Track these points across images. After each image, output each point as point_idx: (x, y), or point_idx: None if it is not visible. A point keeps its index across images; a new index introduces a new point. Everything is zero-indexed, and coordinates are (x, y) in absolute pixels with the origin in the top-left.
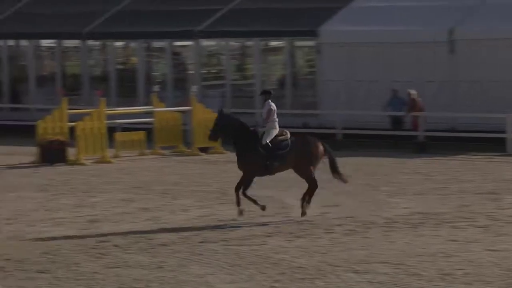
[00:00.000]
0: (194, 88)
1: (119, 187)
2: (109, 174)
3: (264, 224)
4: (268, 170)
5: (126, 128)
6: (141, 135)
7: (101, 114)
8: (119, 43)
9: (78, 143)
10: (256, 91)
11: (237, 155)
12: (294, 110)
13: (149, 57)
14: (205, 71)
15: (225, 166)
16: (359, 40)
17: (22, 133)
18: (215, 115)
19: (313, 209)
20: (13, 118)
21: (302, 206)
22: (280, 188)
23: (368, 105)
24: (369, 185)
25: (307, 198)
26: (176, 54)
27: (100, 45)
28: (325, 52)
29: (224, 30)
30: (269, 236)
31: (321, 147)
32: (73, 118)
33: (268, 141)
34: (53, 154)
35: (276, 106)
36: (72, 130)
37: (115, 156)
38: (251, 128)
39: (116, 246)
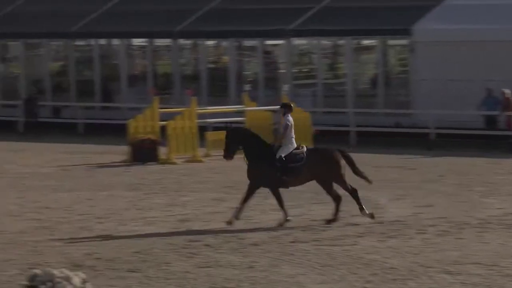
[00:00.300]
0: (285, 87)
1: (210, 186)
2: (200, 173)
3: (355, 224)
4: (282, 183)
5: (217, 127)
6: None
7: (192, 113)
8: (210, 42)
9: (169, 142)
10: (348, 91)
11: (248, 165)
12: (386, 109)
13: (240, 56)
14: (296, 70)
15: None
16: (453, 38)
17: (113, 132)
18: (306, 114)
19: (405, 209)
20: (105, 117)
21: (334, 216)
22: (372, 188)
23: (462, 105)
24: (463, 185)
25: (334, 213)
26: (267, 53)
27: (192, 44)
28: (419, 51)
29: (315, 28)
30: (360, 236)
31: (339, 157)
32: (164, 117)
33: (282, 155)
34: (144, 153)
35: (368, 105)
36: (163, 129)
37: (206, 155)
38: (265, 141)
39: (207, 245)
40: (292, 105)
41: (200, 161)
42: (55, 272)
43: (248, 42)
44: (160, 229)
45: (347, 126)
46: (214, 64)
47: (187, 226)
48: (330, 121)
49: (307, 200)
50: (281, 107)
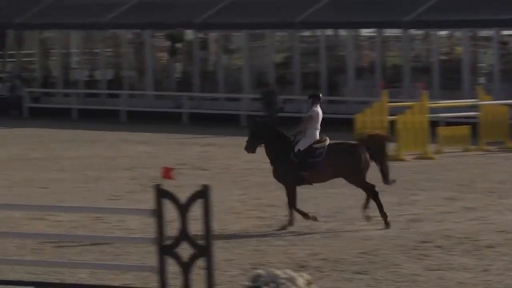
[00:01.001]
0: None
1: (442, 184)
2: (431, 171)
3: None
4: (301, 179)
5: (449, 122)
6: (465, 129)
7: (423, 107)
8: (443, 32)
9: (399, 138)
10: None
11: (271, 165)
12: None
13: (474, 47)
14: None
15: None
16: None
17: (339, 126)
18: None
19: None
20: (330, 111)
21: (384, 220)
22: None
23: None
24: None
25: (379, 210)
26: (504, 43)
27: (423, 35)
28: None
29: None
30: None
31: (364, 155)
32: (393, 111)
33: (301, 149)
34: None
35: None
36: (392, 124)
37: (438, 152)
38: (287, 135)
39: (438, 247)
40: (320, 95)
41: (432, 158)
42: (279, 272)
43: (483, 32)
44: (388, 229)
45: None
46: (447, 55)
47: (417, 227)
48: None
49: None
50: (309, 97)
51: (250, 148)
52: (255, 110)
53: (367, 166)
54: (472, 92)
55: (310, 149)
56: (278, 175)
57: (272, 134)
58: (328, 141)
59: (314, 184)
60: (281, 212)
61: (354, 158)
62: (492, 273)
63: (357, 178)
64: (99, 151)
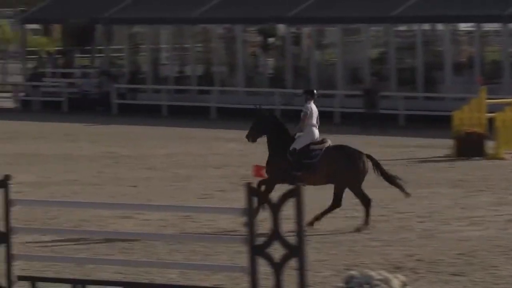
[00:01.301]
0: None
1: None
2: None
3: None
4: (295, 180)
5: None
6: None
7: None
8: None
9: (498, 136)
10: None
11: (268, 157)
12: None
13: None
14: None
15: None
16: None
17: (436, 123)
18: None
19: None
20: (427, 108)
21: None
22: None
23: None
24: None
25: (322, 212)
26: None
27: None
28: None
29: None
30: None
31: (361, 160)
32: (492, 108)
33: (296, 148)
34: (470, 147)
35: None
36: (490, 121)
37: None
38: (289, 132)
39: None
40: (315, 91)
41: None
42: (373, 274)
43: None
44: (486, 229)
45: None
46: None
47: None
48: None
49: None
50: (303, 93)
51: (251, 137)
52: (350, 107)
53: (363, 177)
54: None
55: (307, 150)
56: (271, 168)
57: (274, 129)
58: (328, 143)
59: (306, 186)
60: (376, 211)
61: (352, 166)
62: None
63: (345, 186)
64: (189, 149)
